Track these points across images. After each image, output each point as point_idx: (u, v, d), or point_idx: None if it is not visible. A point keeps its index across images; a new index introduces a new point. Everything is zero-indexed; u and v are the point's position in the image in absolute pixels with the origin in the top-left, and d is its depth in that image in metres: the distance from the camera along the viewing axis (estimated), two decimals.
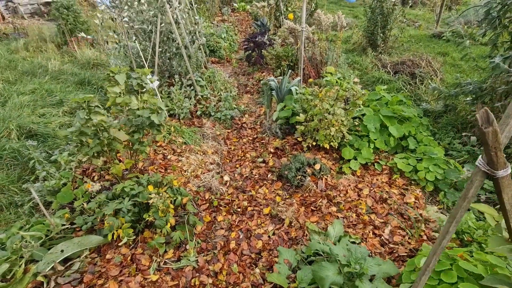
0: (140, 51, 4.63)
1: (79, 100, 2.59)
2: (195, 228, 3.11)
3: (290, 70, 4.77)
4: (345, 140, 3.66)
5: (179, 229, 3.00)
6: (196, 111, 5.14)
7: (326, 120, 3.50)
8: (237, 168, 4.13)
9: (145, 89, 3.30)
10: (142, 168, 3.70)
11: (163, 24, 5.10)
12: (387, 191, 3.34)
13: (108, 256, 2.66)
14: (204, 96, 5.36)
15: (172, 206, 2.88)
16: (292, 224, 3.06)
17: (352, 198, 3.25)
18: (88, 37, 8.09)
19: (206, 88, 5.68)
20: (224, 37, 8.54)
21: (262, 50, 7.09)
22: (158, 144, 4.16)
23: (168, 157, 4.02)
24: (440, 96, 4.64)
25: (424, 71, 5.95)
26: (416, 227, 2.79)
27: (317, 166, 3.47)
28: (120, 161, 3.34)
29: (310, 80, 5.60)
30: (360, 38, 7.85)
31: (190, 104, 5.09)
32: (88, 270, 2.55)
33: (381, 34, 7.07)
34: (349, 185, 3.42)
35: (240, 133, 4.97)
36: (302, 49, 4.58)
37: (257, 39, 7.10)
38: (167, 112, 4.92)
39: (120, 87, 3.16)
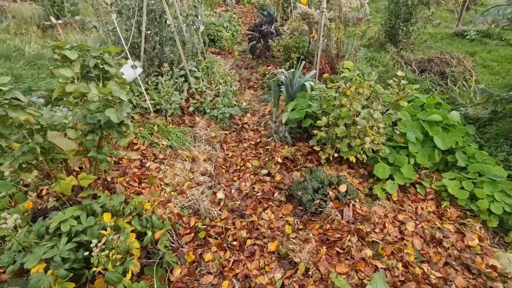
0: (120, 32, 3.63)
1: None
2: (172, 273, 2.13)
3: (303, 62, 3.80)
4: (380, 153, 2.67)
5: (148, 273, 2.04)
6: (188, 107, 4.15)
7: (356, 126, 2.52)
8: (235, 181, 3.15)
9: (109, 74, 2.31)
10: (110, 180, 2.72)
11: (152, 1, 4.09)
12: (439, 227, 2.37)
13: None
14: (199, 89, 4.37)
15: (137, 245, 1.91)
16: (310, 273, 2.09)
17: (393, 236, 2.28)
18: (76, 18, 7.06)
19: (202, 80, 4.69)
20: (227, 26, 7.52)
21: (269, 41, 6.09)
22: (136, 147, 3.18)
23: (147, 164, 3.03)
24: (490, 99, 3.66)
25: (456, 71, 4.97)
26: None
27: (343, 188, 2.50)
28: (72, 172, 2.36)
29: (325, 75, 4.62)
30: (378, 33, 6.84)
31: (181, 98, 4.10)
32: None
33: (404, 28, 6.07)
34: (386, 216, 2.45)
35: (240, 135, 3.98)
36: (321, 36, 3.59)
37: (263, 28, 6.09)
38: (152, 107, 3.93)
39: (73, 70, 2.18)
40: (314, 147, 3.03)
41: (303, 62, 3.80)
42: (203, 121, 4.01)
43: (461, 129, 3.22)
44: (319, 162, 3.09)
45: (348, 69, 5.02)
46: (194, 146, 3.56)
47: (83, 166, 2.47)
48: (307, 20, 4.44)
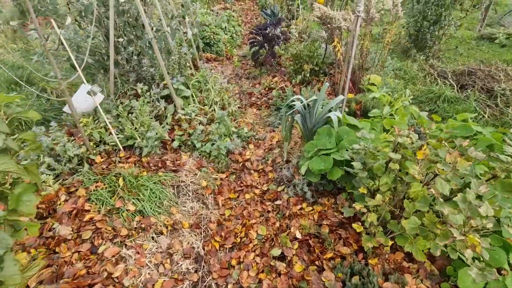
0: (65, 43, 2.47)
1: None
2: None
3: (326, 84, 2.65)
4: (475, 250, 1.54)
5: None
6: (173, 140, 3.01)
7: (444, 224, 1.38)
8: (233, 267, 2.04)
9: None
10: None
11: (122, 0, 2.91)
12: None
13: None
14: (187, 115, 3.21)
15: None
16: None
17: None
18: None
19: (194, 100, 3.53)
20: (225, 27, 6.31)
21: (275, 47, 4.91)
22: (87, 218, 2.05)
23: (100, 249, 1.92)
24: None
25: (507, 88, 3.84)
26: None
27: None
28: None
29: (350, 95, 3.48)
30: (399, 36, 5.65)
31: (163, 127, 2.95)
32: None
33: (436, 32, 4.89)
34: None
35: (241, 180, 2.86)
36: (354, 48, 2.44)
37: (267, 31, 4.90)
38: (124, 140, 2.79)
39: None
40: (355, 227, 1.90)
41: (327, 84, 2.64)
42: (191, 161, 2.87)
43: None
44: (359, 245, 1.98)
45: (375, 85, 3.88)
46: (177, 203, 2.43)
47: None
48: (328, 25, 3.28)
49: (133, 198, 2.24)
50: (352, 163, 1.84)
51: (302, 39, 5.50)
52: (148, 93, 3.03)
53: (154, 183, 2.45)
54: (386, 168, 1.73)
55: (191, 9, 4.44)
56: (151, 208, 2.24)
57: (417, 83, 4.31)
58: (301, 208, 2.37)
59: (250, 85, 4.83)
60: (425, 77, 4.42)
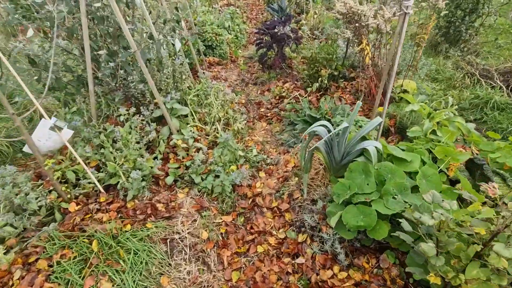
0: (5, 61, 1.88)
1: None
2: None
3: (359, 103, 1.99)
4: None
5: None
6: (166, 175, 2.41)
7: None
8: None
9: None
10: None
11: (98, 3, 2.29)
12: None
13: None
14: (184, 142, 2.60)
15: None
16: None
17: None
18: None
19: (193, 118, 2.93)
20: (229, 26, 5.64)
21: (284, 48, 4.24)
22: None
23: None
24: None
25: None
26: None
27: None
28: None
29: (380, 108, 2.80)
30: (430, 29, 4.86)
31: (155, 160, 2.36)
32: None
33: (473, 23, 4.11)
34: None
35: (251, 224, 2.25)
36: (398, 55, 1.78)
37: (276, 30, 4.21)
38: (106, 178, 2.22)
39: None
40: None
41: (359, 103, 1.98)
42: (189, 200, 2.28)
43: None
44: None
45: (407, 92, 3.20)
46: (169, 266, 1.85)
47: None
48: (354, 23, 2.57)
49: (110, 269, 1.66)
50: (423, 246, 1.19)
51: (314, 36, 4.81)
52: (135, 117, 2.43)
53: (141, 239, 1.87)
54: (475, 254, 1.09)
55: (189, 10, 3.80)
56: (134, 282, 1.66)
57: (456, 86, 3.58)
58: (333, 275, 1.76)
59: (258, 92, 4.18)
60: (463, 78, 3.68)
